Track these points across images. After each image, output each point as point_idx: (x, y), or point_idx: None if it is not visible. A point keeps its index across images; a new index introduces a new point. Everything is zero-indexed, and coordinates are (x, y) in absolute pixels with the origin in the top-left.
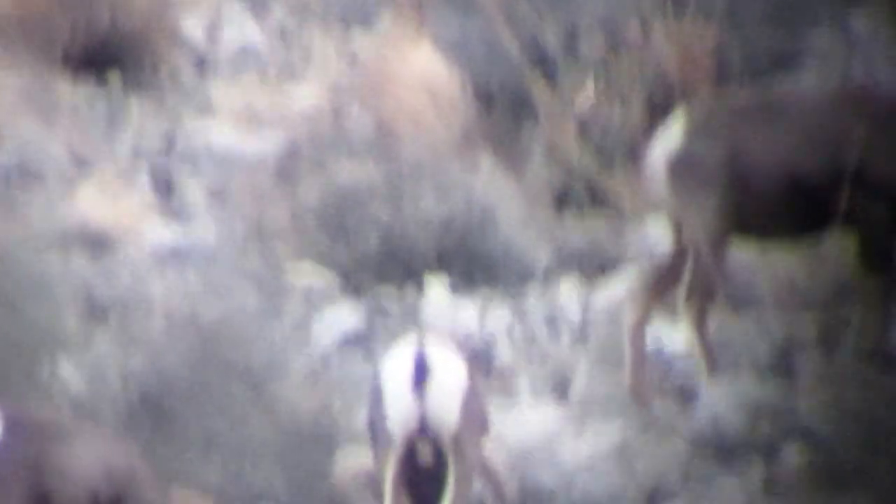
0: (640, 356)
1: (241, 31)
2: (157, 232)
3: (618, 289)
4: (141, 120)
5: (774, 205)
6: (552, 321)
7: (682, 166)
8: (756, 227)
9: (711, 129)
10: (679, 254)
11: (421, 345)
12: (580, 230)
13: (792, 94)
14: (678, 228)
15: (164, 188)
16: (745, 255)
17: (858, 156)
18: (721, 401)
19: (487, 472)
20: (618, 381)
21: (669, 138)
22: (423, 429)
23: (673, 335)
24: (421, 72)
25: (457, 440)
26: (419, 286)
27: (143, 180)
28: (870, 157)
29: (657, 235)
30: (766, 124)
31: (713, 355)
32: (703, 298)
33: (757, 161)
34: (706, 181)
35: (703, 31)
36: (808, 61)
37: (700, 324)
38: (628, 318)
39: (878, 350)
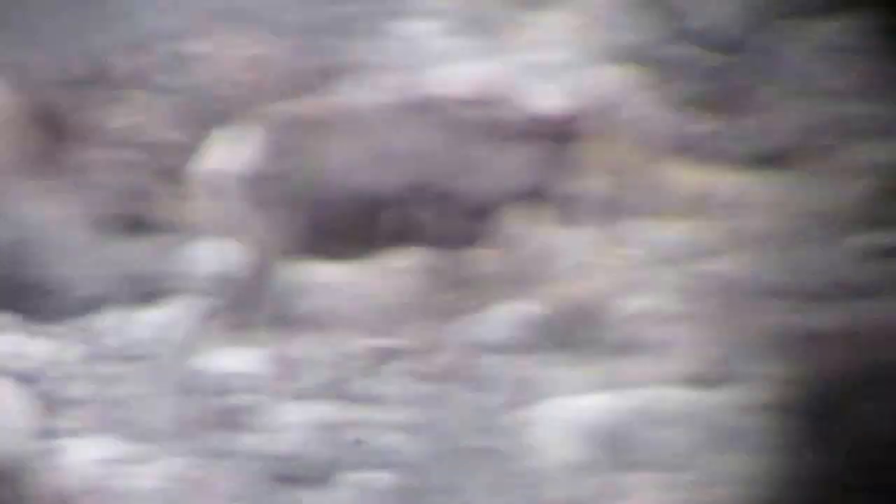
0: (197, 382)
1: None
2: None
3: (169, 315)
4: None
5: (348, 221)
6: (96, 353)
7: (246, 183)
8: (329, 245)
9: (278, 143)
10: (243, 275)
11: None
12: (125, 255)
13: (359, 105)
14: (244, 249)
15: None
16: (316, 275)
17: (433, 170)
18: (290, 424)
19: None
20: (179, 408)
21: (233, 154)
22: None
23: (238, 358)
24: None
25: None
26: None
27: None
28: (443, 170)
29: (205, 260)
30: (335, 137)
31: (275, 377)
32: (269, 320)
33: (328, 176)
34: (273, 199)
35: (255, 43)
36: (362, 73)
37: (267, 347)
38: (184, 342)
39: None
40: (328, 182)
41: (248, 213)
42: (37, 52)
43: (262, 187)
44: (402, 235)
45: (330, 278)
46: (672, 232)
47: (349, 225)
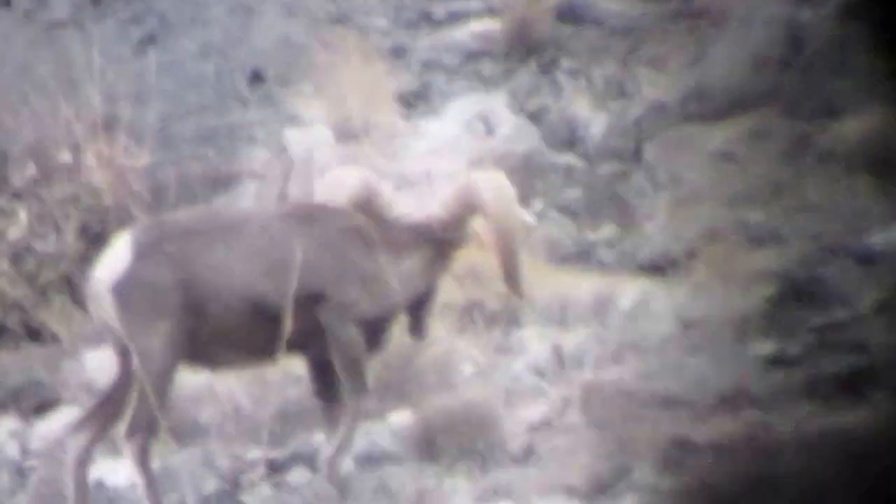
0: (83, 493)
1: None
2: None
3: (57, 425)
4: None
5: (230, 330)
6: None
7: (128, 291)
8: (209, 353)
9: (160, 251)
10: (122, 384)
11: None
12: (16, 366)
13: (243, 214)
14: (124, 358)
15: None
16: (187, 384)
17: (307, 276)
18: None
19: None
20: None
21: (114, 262)
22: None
23: (115, 469)
24: None
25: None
26: None
27: None
28: (319, 277)
29: (95, 369)
30: (218, 245)
31: (157, 491)
32: (146, 431)
33: (210, 285)
34: (155, 307)
35: (136, 153)
36: (246, 181)
37: (143, 458)
38: (70, 453)
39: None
40: (212, 290)
41: (127, 321)
42: None
43: (139, 295)
44: (289, 344)
45: (207, 387)
46: (570, 339)
47: (231, 333)
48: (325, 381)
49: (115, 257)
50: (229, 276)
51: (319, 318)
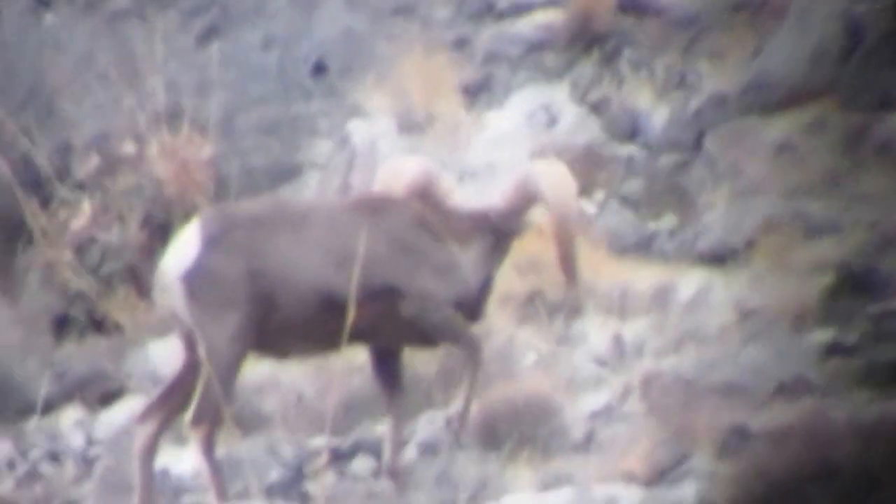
0: (149, 481)
1: None
2: None
3: (122, 415)
4: None
5: (297, 320)
6: (55, 453)
7: (197, 281)
8: (276, 343)
9: (229, 241)
10: (189, 374)
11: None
12: (81, 356)
13: (310, 204)
14: (190, 347)
15: None
16: (251, 373)
17: (378, 269)
18: None
19: None
20: None
21: (183, 252)
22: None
23: (180, 458)
24: None
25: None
26: None
27: None
28: (391, 270)
29: (160, 359)
30: (286, 236)
31: (222, 479)
32: (211, 420)
33: (279, 275)
34: (224, 297)
35: (199, 144)
36: (309, 172)
37: (208, 447)
38: (136, 442)
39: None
40: (280, 280)
41: (196, 311)
42: None
43: (208, 285)
44: (356, 334)
45: (271, 377)
46: (630, 329)
47: (299, 323)
48: (389, 370)
49: (184, 247)
50: (298, 267)
51: (402, 312)
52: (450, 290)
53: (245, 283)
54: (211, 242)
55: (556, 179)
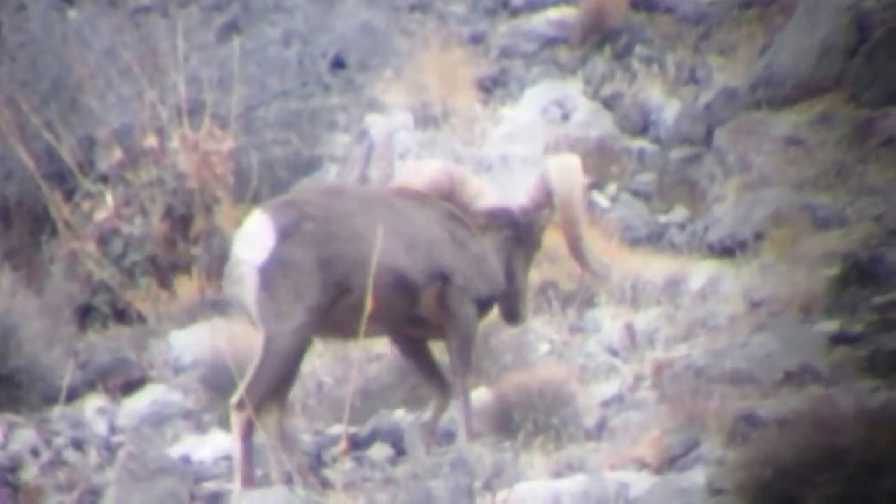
0: (248, 456)
1: None
2: None
3: (144, 403)
4: None
5: (371, 303)
6: (78, 440)
7: (273, 273)
8: (343, 325)
9: (302, 232)
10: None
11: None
12: (104, 346)
13: (366, 191)
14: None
15: None
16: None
17: (435, 254)
18: None
19: None
20: (150, 497)
21: (259, 243)
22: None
23: (201, 445)
24: None
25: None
26: None
27: None
28: (443, 256)
29: (182, 348)
30: (354, 222)
31: (251, 465)
32: (257, 405)
33: (351, 260)
34: (296, 289)
35: (220, 138)
36: (327, 165)
37: (246, 431)
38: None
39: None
40: (352, 266)
41: (266, 303)
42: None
43: (283, 277)
44: (414, 320)
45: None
46: (641, 319)
47: (372, 306)
48: (427, 361)
49: (259, 238)
50: (371, 251)
51: (448, 300)
52: (484, 284)
53: (317, 272)
54: (285, 234)
55: (563, 171)
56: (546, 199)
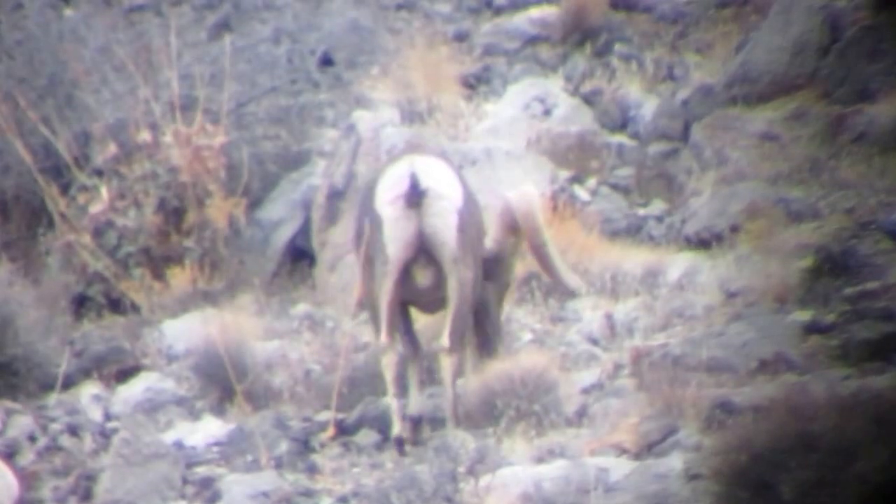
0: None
1: None
2: None
3: (138, 391)
4: None
5: None
6: (74, 427)
7: (466, 216)
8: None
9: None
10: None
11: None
12: (99, 335)
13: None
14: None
15: None
16: (261, 351)
17: None
18: (241, 495)
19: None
20: (144, 482)
21: (452, 185)
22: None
23: (194, 431)
24: None
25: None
26: None
27: None
28: None
29: (174, 337)
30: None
31: (459, 406)
32: (462, 347)
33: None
34: (475, 235)
35: (212, 133)
36: (316, 160)
37: (455, 373)
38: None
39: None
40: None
41: (462, 244)
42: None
43: (470, 222)
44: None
45: (280, 354)
46: (621, 309)
47: None
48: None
49: (450, 183)
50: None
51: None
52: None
53: (479, 224)
54: (463, 181)
55: (524, 201)
56: (510, 231)
